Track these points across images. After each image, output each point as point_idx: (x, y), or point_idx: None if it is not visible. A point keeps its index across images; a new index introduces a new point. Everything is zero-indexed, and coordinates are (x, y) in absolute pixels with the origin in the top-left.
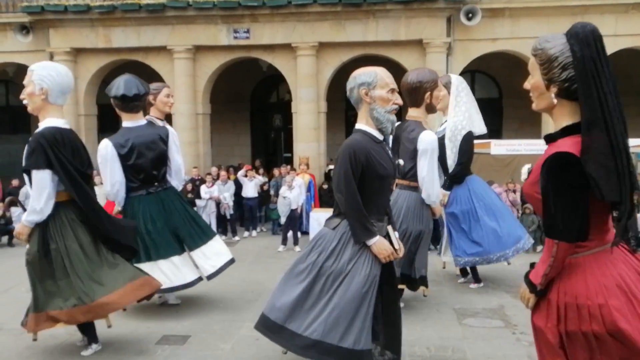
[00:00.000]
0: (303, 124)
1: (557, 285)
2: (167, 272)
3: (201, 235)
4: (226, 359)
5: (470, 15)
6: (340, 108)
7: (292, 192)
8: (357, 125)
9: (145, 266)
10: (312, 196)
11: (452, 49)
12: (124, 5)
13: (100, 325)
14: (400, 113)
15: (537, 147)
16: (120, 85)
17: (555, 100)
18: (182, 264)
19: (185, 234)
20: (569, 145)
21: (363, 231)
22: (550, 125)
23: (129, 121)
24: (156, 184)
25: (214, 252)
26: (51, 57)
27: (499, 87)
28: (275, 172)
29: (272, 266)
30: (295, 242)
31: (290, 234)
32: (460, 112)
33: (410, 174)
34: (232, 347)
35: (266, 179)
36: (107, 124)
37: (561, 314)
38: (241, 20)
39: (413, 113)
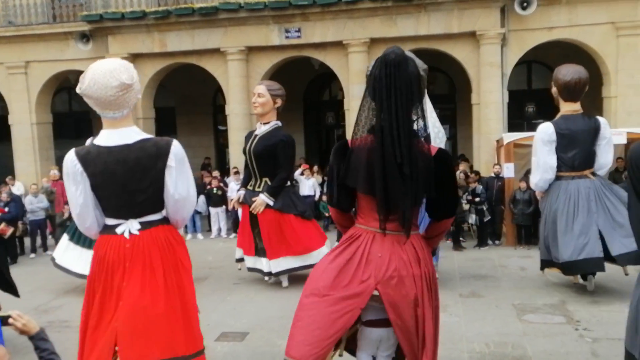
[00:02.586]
0: None
1: None
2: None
3: None
4: (284, 356)
5: (525, 4)
6: None
7: None
8: None
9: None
10: None
11: (507, 40)
12: (178, 9)
13: None
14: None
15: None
16: None
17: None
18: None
19: None
20: (361, 138)
21: None
22: (608, 113)
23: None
24: None
25: None
26: None
27: None
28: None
29: None
30: None
31: None
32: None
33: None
34: None
35: (321, 178)
36: (164, 128)
37: None
38: (292, 20)
39: (572, 107)
